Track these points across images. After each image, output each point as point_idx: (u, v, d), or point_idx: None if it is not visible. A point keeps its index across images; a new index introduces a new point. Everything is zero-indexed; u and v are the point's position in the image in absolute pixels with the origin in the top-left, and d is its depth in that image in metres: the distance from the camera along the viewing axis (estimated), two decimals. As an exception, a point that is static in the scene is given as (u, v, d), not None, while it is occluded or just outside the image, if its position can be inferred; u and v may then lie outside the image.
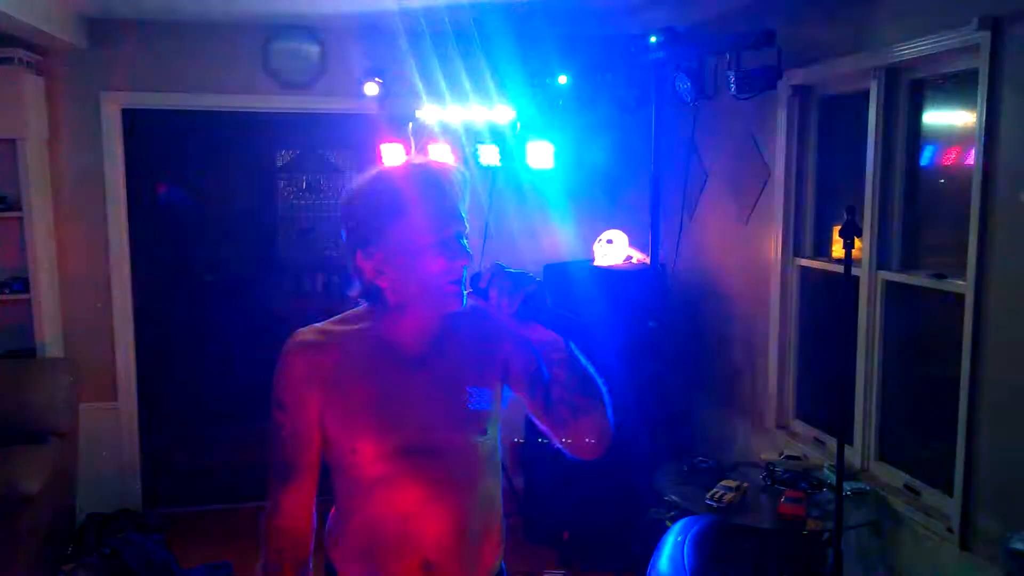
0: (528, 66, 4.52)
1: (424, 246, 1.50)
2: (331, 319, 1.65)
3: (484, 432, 1.63)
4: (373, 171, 1.59)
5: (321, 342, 1.59)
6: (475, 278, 1.51)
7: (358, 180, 1.60)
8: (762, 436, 4.02)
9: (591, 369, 1.56)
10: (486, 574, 1.67)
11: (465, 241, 1.54)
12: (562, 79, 4.13)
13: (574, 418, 1.56)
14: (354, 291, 1.61)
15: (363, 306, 1.64)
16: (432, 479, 1.57)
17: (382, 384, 1.57)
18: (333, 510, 1.70)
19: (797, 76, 3.61)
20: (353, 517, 1.63)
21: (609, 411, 1.59)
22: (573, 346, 1.52)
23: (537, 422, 1.66)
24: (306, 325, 1.65)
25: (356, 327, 1.61)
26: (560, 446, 1.63)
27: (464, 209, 1.56)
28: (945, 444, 2.86)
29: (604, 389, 1.58)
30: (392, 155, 4.41)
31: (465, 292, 1.53)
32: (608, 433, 1.59)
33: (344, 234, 1.58)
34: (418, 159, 1.59)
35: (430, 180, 1.54)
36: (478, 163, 4.36)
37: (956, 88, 3.01)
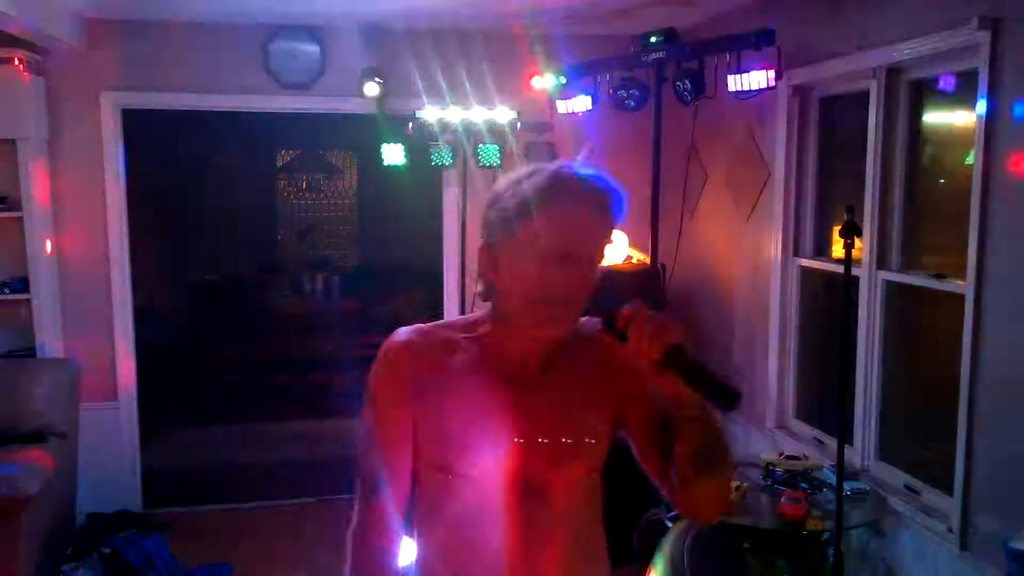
0: (528, 66, 4.52)
1: (540, 255, 1.33)
2: (440, 321, 1.50)
3: (589, 471, 1.47)
4: (534, 167, 1.42)
5: (423, 343, 1.43)
6: (614, 314, 1.32)
7: (517, 171, 1.42)
8: (762, 436, 4.02)
9: (724, 434, 1.40)
10: None
11: (591, 267, 1.35)
12: (562, 79, 4.13)
13: (695, 481, 1.39)
14: (478, 288, 1.45)
15: (480, 312, 1.48)
16: (528, 515, 1.40)
17: (483, 401, 1.40)
18: (416, 538, 1.52)
19: (797, 76, 3.61)
20: (435, 547, 1.46)
21: (732, 477, 1.44)
22: (710, 411, 1.36)
23: (647, 472, 1.49)
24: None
25: (464, 333, 1.45)
26: (671, 502, 1.47)
27: (607, 235, 1.37)
28: (945, 444, 2.86)
29: (731, 454, 1.44)
30: (394, 154, 4.40)
31: (582, 321, 1.38)
32: (728, 500, 1.47)
33: (483, 228, 1.42)
34: (585, 167, 1.40)
35: (583, 192, 1.35)
36: (478, 163, 4.36)
37: (956, 88, 3.01)
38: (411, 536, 1.51)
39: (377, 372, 1.45)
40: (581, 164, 1.41)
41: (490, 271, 1.40)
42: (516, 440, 1.40)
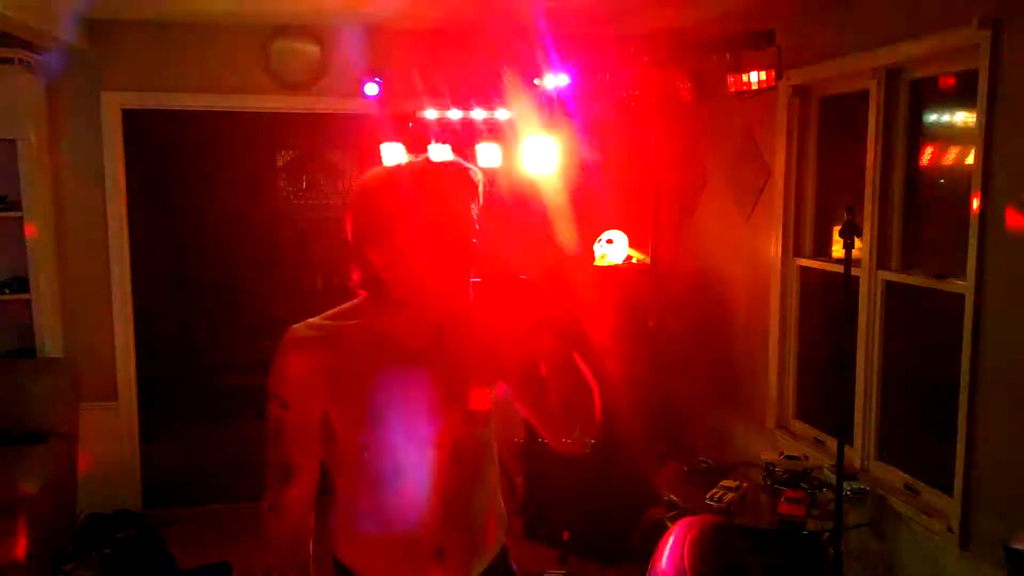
0: (528, 66, 4.52)
1: (434, 246, 1.51)
2: (325, 314, 1.62)
3: (484, 424, 1.69)
4: (390, 165, 1.61)
5: (321, 337, 1.56)
6: (486, 281, 1.57)
7: (373, 173, 1.59)
8: (762, 436, 4.02)
9: (587, 374, 1.63)
10: (490, 556, 1.73)
11: (473, 242, 1.55)
12: (562, 79, 4.13)
13: (566, 418, 1.64)
14: (353, 282, 1.60)
15: (357, 299, 1.62)
16: (441, 471, 1.61)
17: (386, 379, 1.57)
18: (336, 505, 1.68)
19: (797, 76, 3.61)
20: (363, 511, 1.63)
21: (597, 413, 1.66)
22: (574, 355, 1.61)
23: (525, 417, 1.74)
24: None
25: (354, 322, 1.59)
26: (547, 440, 1.71)
27: (475, 210, 1.56)
28: (945, 444, 2.86)
29: (595, 392, 1.65)
30: (395, 154, 4.40)
31: (469, 291, 1.56)
32: (594, 433, 1.67)
33: (352, 225, 1.57)
34: (435, 157, 1.58)
35: (446, 181, 1.54)
36: (478, 163, 4.36)
37: (956, 88, 3.00)
38: (326, 510, 1.68)
39: (281, 368, 1.55)
40: (430, 154, 1.66)
41: (382, 270, 1.54)
42: (420, 408, 1.59)
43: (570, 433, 1.66)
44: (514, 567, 1.82)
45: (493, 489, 1.75)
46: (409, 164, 1.59)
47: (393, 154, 4.40)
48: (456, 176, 1.55)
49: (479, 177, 1.58)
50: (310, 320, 1.59)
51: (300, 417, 1.56)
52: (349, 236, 1.58)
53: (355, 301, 1.63)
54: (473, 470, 1.67)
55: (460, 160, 1.59)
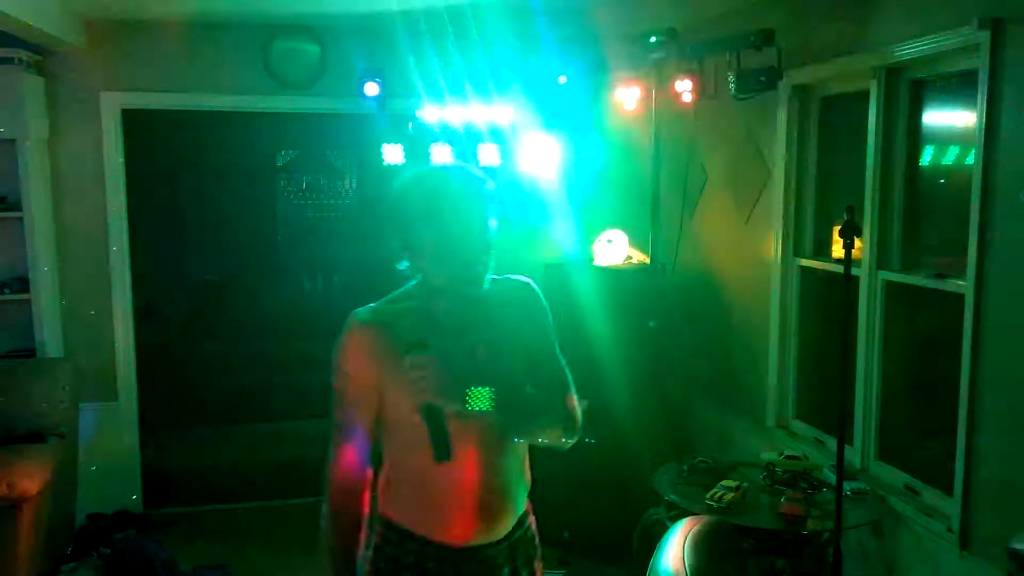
0: (528, 66, 4.52)
1: (458, 242, 1.75)
2: (384, 298, 1.86)
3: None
4: (419, 169, 1.86)
5: (377, 320, 1.80)
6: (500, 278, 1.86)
7: (407, 176, 1.85)
8: (762, 436, 4.02)
9: (562, 373, 1.93)
10: (516, 515, 1.95)
11: (487, 240, 1.78)
12: (562, 79, 4.13)
13: (543, 410, 1.92)
14: (404, 267, 1.84)
15: (409, 285, 1.87)
16: (482, 437, 1.82)
17: (438, 353, 1.76)
18: (384, 470, 1.90)
19: (797, 76, 3.61)
20: (416, 474, 1.83)
21: (572, 410, 1.94)
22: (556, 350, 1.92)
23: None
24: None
25: (406, 305, 1.83)
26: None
27: (490, 213, 1.79)
28: (945, 444, 2.86)
29: (570, 390, 1.93)
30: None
31: (483, 282, 1.80)
32: (572, 431, 1.95)
33: (394, 219, 1.82)
34: (459, 164, 1.84)
35: (470, 186, 1.79)
36: (477, 163, 4.35)
37: (956, 88, 3.01)
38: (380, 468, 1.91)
39: (345, 346, 1.80)
40: (445, 160, 1.87)
41: (420, 259, 1.79)
42: (468, 377, 1.77)
43: (538, 428, 1.92)
44: (533, 527, 2.03)
45: (522, 455, 1.96)
46: (434, 169, 1.90)
47: (394, 154, 4.39)
48: (478, 183, 1.79)
49: (492, 186, 1.80)
50: (371, 305, 1.84)
51: (358, 386, 1.80)
52: (394, 226, 1.82)
53: (409, 285, 1.87)
54: (507, 441, 1.88)
55: (475, 168, 1.84)
